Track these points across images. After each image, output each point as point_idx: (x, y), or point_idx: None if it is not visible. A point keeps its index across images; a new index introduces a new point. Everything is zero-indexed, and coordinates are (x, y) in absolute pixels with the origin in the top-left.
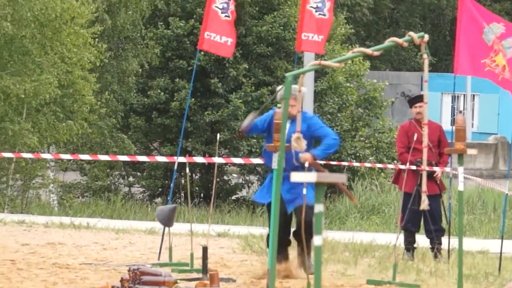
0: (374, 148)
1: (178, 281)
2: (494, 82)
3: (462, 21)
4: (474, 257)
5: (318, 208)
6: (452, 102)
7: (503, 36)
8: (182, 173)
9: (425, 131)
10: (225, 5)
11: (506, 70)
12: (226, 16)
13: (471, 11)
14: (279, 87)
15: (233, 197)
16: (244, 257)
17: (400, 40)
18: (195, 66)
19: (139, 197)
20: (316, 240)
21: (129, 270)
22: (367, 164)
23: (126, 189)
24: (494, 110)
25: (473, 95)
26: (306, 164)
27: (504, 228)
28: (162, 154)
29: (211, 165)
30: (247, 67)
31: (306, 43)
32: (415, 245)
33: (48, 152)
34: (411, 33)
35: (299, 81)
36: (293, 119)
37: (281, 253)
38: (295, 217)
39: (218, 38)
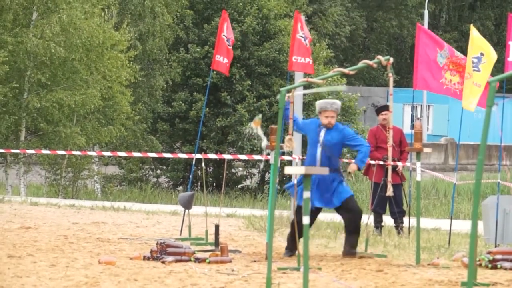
0: None
1: (196, 252)
2: (450, 95)
3: (419, 47)
4: (429, 233)
5: (306, 194)
6: (411, 111)
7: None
8: (199, 167)
9: (390, 133)
10: (229, 37)
11: (457, 82)
12: (229, 45)
13: (426, 39)
14: (321, 101)
15: (239, 186)
16: (247, 233)
17: (370, 62)
18: (209, 83)
19: (165, 186)
20: (305, 220)
21: (157, 244)
22: (345, 160)
23: (155, 179)
24: (444, 117)
25: (428, 105)
26: (350, 170)
27: (453, 210)
28: (183, 152)
29: (221, 161)
30: (250, 83)
31: (296, 64)
32: (382, 224)
33: (93, 150)
34: (379, 56)
35: (291, 94)
36: (329, 128)
37: (294, 247)
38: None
39: (221, 59)
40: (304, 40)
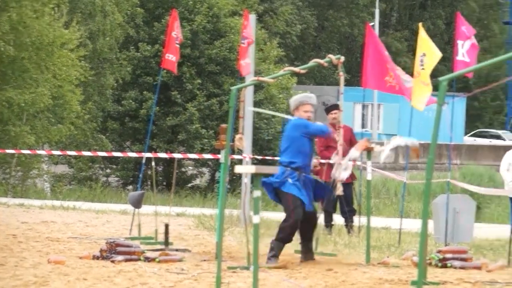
0: None
1: (145, 251)
2: (394, 93)
3: (369, 47)
4: (379, 232)
5: (257, 193)
6: (362, 110)
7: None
8: (149, 166)
9: (341, 132)
10: (178, 36)
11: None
12: (177, 43)
13: (376, 40)
14: (298, 96)
15: (189, 185)
16: (197, 232)
17: (321, 61)
18: (159, 81)
19: (115, 185)
20: (255, 219)
21: (106, 243)
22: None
23: (104, 178)
24: (395, 116)
25: (379, 104)
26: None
27: (403, 209)
28: (132, 151)
29: (171, 160)
30: (200, 82)
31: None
32: (332, 223)
33: (43, 149)
34: (330, 55)
35: (241, 93)
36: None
37: (279, 254)
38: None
39: (171, 58)
40: (243, 40)
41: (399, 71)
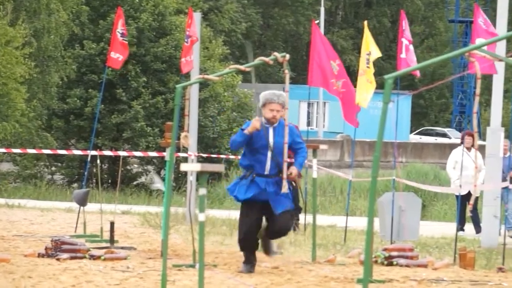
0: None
1: (91, 249)
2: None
3: (315, 45)
4: (324, 230)
5: (202, 191)
6: (308, 108)
7: (338, 77)
8: (94, 164)
9: (286, 130)
10: (123, 31)
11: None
12: (123, 39)
13: (321, 38)
14: (266, 92)
15: (134, 183)
16: (143, 230)
17: (266, 59)
18: (104, 79)
19: (60, 183)
20: (200, 217)
21: (52, 240)
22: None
23: (49, 176)
24: (340, 114)
25: (324, 102)
26: (293, 175)
27: (348, 207)
28: (77, 149)
29: (117, 157)
30: (146, 80)
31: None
32: None
33: None
34: (275, 53)
35: (186, 91)
36: (274, 123)
37: (250, 260)
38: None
39: (113, 55)
40: (186, 38)
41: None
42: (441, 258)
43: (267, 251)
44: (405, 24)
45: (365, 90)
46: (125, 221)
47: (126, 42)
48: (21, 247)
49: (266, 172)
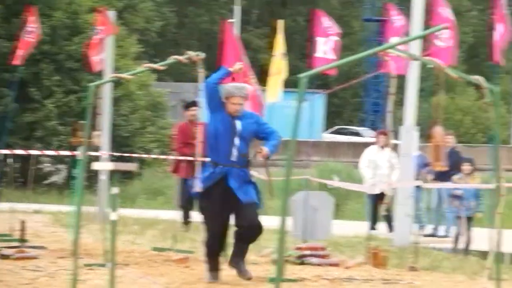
0: (159, 142)
1: (1, 248)
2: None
3: (226, 44)
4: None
5: (114, 190)
6: None
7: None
8: (5, 162)
9: (199, 129)
10: (31, 29)
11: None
12: (29, 37)
13: (232, 37)
14: (227, 85)
15: (46, 182)
16: (54, 230)
17: (180, 57)
18: (16, 78)
19: None
20: (112, 216)
21: None
22: (153, 156)
23: None
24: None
25: None
26: (261, 154)
27: (262, 206)
28: None
29: (28, 156)
30: (59, 78)
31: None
32: (190, 220)
33: None
34: (189, 52)
35: (99, 90)
36: (240, 117)
37: (215, 267)
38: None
39: (19, 52)
40: (95, 35)
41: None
42: (353, 257)
43: (240, 271)
44: (326, 21)
45: (274, 85)
46: (37, 220)
47: (31, 40)
48: None
49: (232, 160)
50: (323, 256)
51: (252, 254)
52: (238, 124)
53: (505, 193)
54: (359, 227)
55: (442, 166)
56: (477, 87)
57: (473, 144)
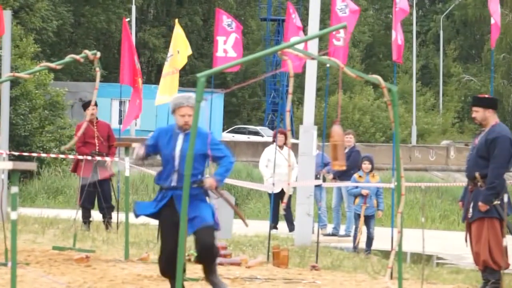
0: (58, 142)
1: None
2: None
3: (124, 43)
4: (137, 228)
5: (14, 189)
6: (119, 106)
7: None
8: None
9: (83, 126)
10: None
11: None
12: None
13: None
14: (174, 96)
15: None
16: None
17: (77, 57)
18: None
19: None
20: (12, 215)
21: None
22: (52, 155)
23: None
24: (153, 112)
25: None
26: (207, 186)
27: None
28: None
29: None
30: None
31: None
32: (91, 219)
33: None
34: (86, 51)
35: None
36: (186, 130)
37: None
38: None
39: None
40: None
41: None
42: (255, 256)
43: (215, 285)
44: (225, 19)
45: (172, 84)
46: None
47: None
48: None
49: (174, 184)
50: (224, 256)
51: (153, 253)
52: (180, 142)
53: (404, 192)
54: (260, 226)
55: (341, 165)
56: (375, 86)
57: (372, 143)
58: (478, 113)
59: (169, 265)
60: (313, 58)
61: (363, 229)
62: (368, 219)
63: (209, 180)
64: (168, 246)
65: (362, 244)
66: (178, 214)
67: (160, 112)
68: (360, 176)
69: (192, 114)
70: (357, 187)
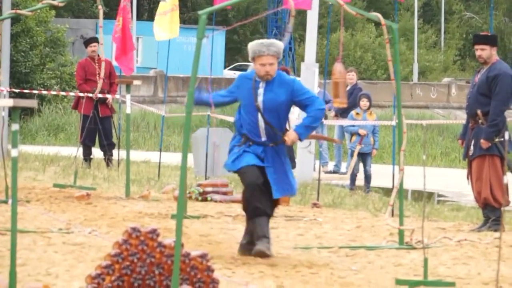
0: (59, 79)
1: None
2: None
3: None
4: (138, 166)
5: (15, 127)
6: None
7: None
8: None
9: (102, 66)
10: None
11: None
12: None
13: None
14: (253, 43)
15: None
16: None
17: None
18: None
19: None
20: (13, 152)
21: None
22: (53, 92)
23: None
24: (154, 49)
25: (138, 37)
26: (288, 141)
27: (162, 143)
28: None
29: None
30: None
31: None
32: (91, 157)
33: None
34: None
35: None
36: (268, 80)
37: (264, 232)
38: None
39: None
40: None
41: None
42: None
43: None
44: None
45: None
46: None
47: None
48: None
49: (263, 139)
50: (225, 193)
51: (154, 191)
52: (261, 93)
53: (406, 130)
54: None
55: (342, 102)
56: (377, 23)
57: (374, 81)
58: (485, 51)
59: (254, 197)
60: None
61: (360, 167)
62: (365, 157)
63: (290, 134)
64: (254, 177)
65: (360, 182)
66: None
67: (161, 49)
68: (357, 113)
69: (273, 63)
70: (359, 126)
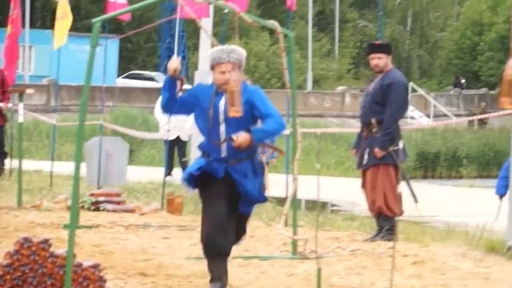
0: None
1: None
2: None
3: None
4: (30, 175)
5: None
6: None
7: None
8: None
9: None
10: None
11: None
12: None
13: None
14: (213, 50)
15: None
16: None
17: None
18: None
19: None
20: None
21: None
22: None
23: None
24: (47, 58)
25: (30, 46)
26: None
27: (54, 152)
28: None
29: None
30: None
31: None
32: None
33: None
34: None
35: None
36: (222, 91)
37: (220, 274)
38: None
39: None
40: None
41: None
42: (149, 203)
43: None
44: None
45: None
46: None
47: None
48: None
49: (224, 154)
50: (118, 203)
51: (46, 200)
52: (223, 104)
53: (300, 139)
54: (155, 173)
55: (237, 111)
56: (272, 32)
57: (268, 89)
58: (382, 59)
59: (214, 239)
60: (210, 3)
61: None
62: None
63: (240, 137)
64: (218, 211)
65: None
66: (234, 186)
67: (54, 57)
68: None
69: (235, 72)
70: None
